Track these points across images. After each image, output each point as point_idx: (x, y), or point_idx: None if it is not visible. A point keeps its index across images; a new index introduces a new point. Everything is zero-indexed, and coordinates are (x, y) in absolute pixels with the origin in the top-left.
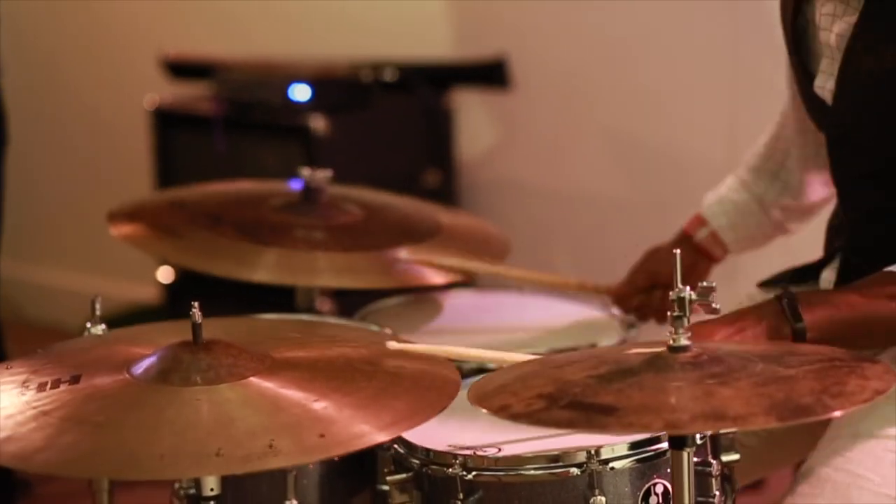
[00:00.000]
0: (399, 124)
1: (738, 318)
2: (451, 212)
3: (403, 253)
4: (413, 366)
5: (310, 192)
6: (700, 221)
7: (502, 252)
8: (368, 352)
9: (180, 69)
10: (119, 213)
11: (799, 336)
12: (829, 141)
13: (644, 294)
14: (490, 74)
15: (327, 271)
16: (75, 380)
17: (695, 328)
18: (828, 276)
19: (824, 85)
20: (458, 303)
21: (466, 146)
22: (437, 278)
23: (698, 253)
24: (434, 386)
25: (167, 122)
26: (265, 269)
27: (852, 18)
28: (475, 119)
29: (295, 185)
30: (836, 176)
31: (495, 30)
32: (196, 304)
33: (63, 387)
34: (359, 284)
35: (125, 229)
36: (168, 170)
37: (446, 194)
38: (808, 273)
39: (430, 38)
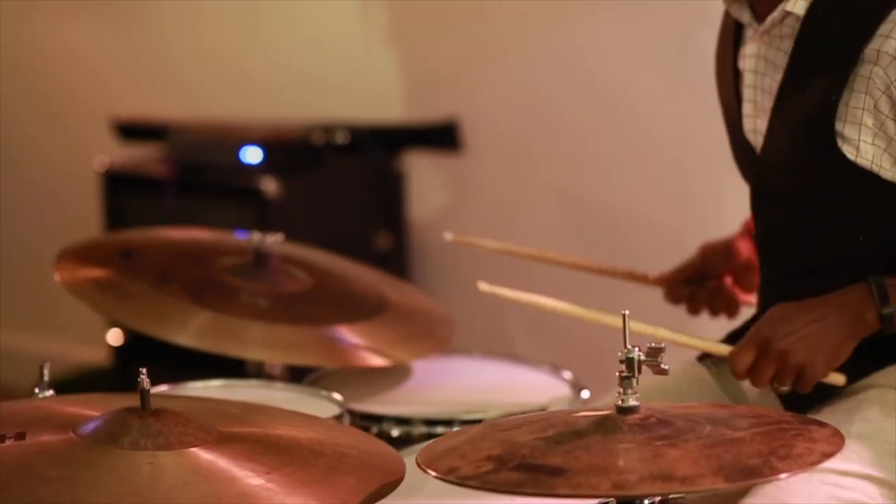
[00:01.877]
0: (350, 186)
1: (821, 304)
2: (399, 284)
3: (449, 235)
4: (358, 446)
5: (260, 256)
6: None
7: (447, 333)
8: (314, 432)
9: (131, 131)
10: (67, 257)
11: (886, 322)
12: (753, 192)
13: (695, 285)
14: (441, 137)
15: (266, 344)
16: (20, 436)
17: (777, 312)
18: None
19: (753, 127)
20: (414, 368)
21: (418, 208)
22: (375, 360)
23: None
24: (381, 465)
25: (118, 185)
26: (199, 334)
27: (782, 62)
28: (426, 181)
29: (243, 237)
30: (757, 230)
31: (446, 92)
32: (144, 370)
33: (8, 442)
34: (298, 361)
35: (70, 276)
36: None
37: (397, 256)
38: (743, 333)
39: (382, 101)
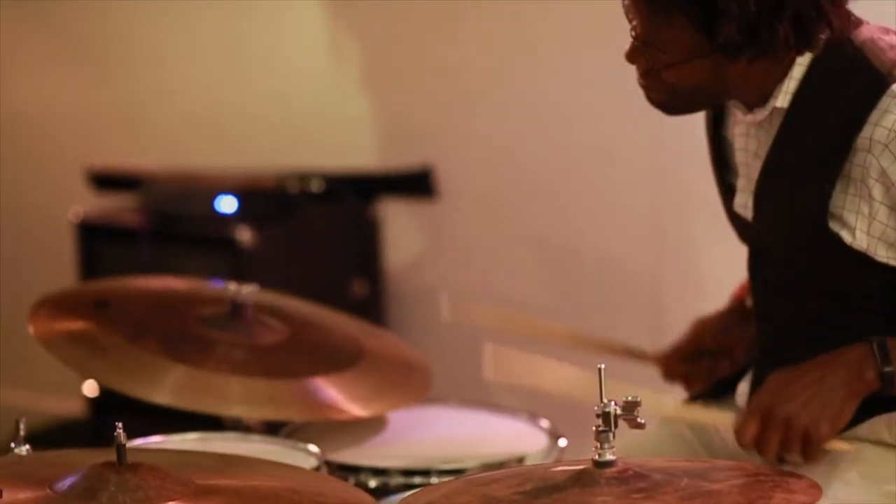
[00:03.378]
0: (326, 234)
1: (820, 364)
2: (375, 332)
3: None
4: (337, 495)
5: (235, 306)
6: None
7: (424, 382)
8: (292, 482)
9: (106, 181)
10: (41, 308)
11: (886, 381)
12: (750, 253)
13: (690, 362)
14: (416, 184)
15: (244, 401)
16: None
17: (776, 378)
18: (743, 389)
19: (745, 203)
20: (390, 417)
21: (393, 256)
22: (356, 410)
23: (750, 318)
24: None
25: (93, 235)
26: (175, 392)
27: (767, 141)
28: (402, 229)
29: (219, 287)
30: (753, 287)
31: (420, 140)
32: (120, 424)
33: None
34: (275, 416)
35: (45, 329)
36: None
37: (373, 304)
38: (725, 386)
39: (356, 149)
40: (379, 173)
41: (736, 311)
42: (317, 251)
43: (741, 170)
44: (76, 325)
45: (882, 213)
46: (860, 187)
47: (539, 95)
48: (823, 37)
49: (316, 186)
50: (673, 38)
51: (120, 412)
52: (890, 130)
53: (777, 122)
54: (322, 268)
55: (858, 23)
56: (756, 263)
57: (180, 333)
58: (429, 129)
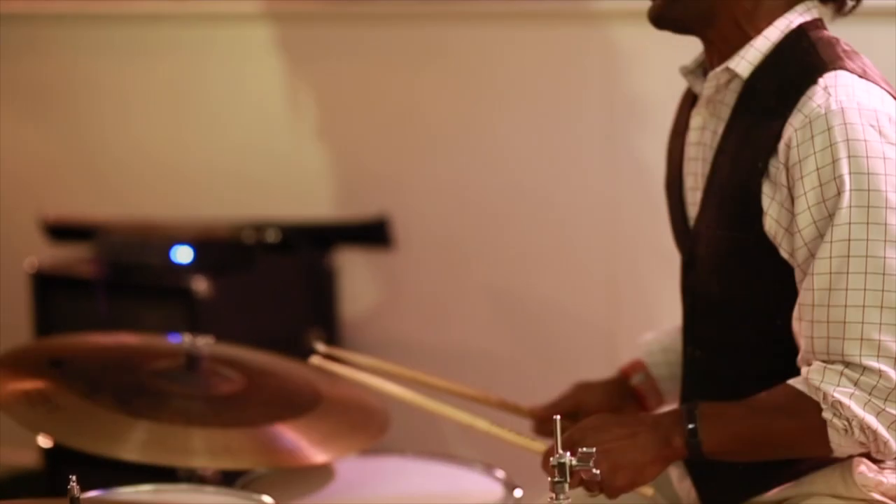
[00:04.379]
0: (282, 284)
1: (637, 421)
2: (332, 378)
3: (320, 347)
4: None
5: (191, 359)
6: (640, 366)
7: (383, 424)
8: None
9: (61, 232)
10: None
11: (692, 449)
12: (683, 267)
13: (566, 420)
14: (372, 234)
15: (203, 451)
16: None
17: (592, 421)
18: None
19: (693, 200)
20: (343, 468)
21: (350, 305)
22: (318, 457)
23: (632, 397)
24: None
25: (48, 285)
26: (137, 448)
27: (722, 123)
28: (358, 278)
29: (174, 341)
30: (684, 307)
31: (377, 189)
32: (73, 477)
33: None
34: (236, 466)
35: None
36: (48, 333)
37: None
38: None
39: (313, 198)
40: (335, 223)
41: (619, 385)
42: (273, 301)
43: (690, 166)
44: (31, 384)
45: (788, 202)
46: (778, 174)
47: (495, 146)
48: None
49: (272, 236)
50: None
51: (75, 464)
52: (806, 117)
53: (732, 99)
54: (278, 318)
55: (822, 29)
56: (687, 278)
57: (136, 388)
58: (385, 178)
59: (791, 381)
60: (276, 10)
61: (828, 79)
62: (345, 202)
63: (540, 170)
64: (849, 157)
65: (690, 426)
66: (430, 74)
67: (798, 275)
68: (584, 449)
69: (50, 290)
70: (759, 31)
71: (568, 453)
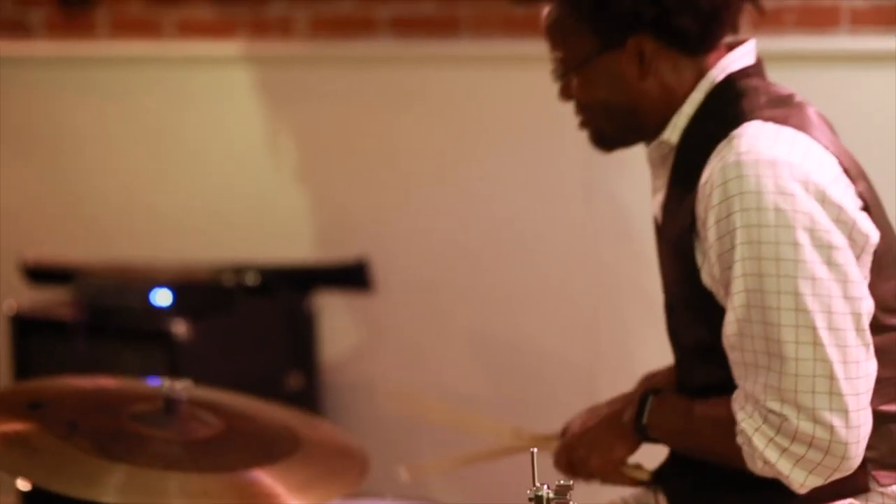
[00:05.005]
0: (261, 327)
1: (611, 404)
2: (312, 422)
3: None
4: None
5: (169, 403)
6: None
7: (362, 468)
8: None
9: (40, 274)
10: None
11: (639, 431)
12: (665, 310)
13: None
14: (352, 277)
15: (180, 496)
16: None
17: (578, 417)
18: None
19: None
20: None
21: (329, 349)
22: (294, 501)
23: None
24: None
25: (26, 328)
26: (115, 491)
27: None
28: (337, 321)
29: (155, 383)
30: (672, 348)
31: (356, 232)
32: None
33: None
34: None
35: None
36: (27, 376)
37: (309, 397)
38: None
39: (292, 241)
40: (315, 266)
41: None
42: (252, 344)
43: (654, 209)
44: (9, 427)
45: (711, 254)
46: (700, 229)
47: (475, 188)
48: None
49: (252, 279)
50: (568, 45)
51: None
52: (710, 171)
53: (670, 163)
54: (258, 361)
55: (754, 76)
56: (668, 321)
57: (114, 432)
58: (365, 221)
59: (737, 423)
60: (257, 52)
61: (738, 130)
62: (324, 245)
63: (520, 213)
64: (741, 210)
65: (639, 414)
66: (409, 117)
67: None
68: (562, 482)
69: (29, 332)
70: (685, 98)
71: (546, 486)
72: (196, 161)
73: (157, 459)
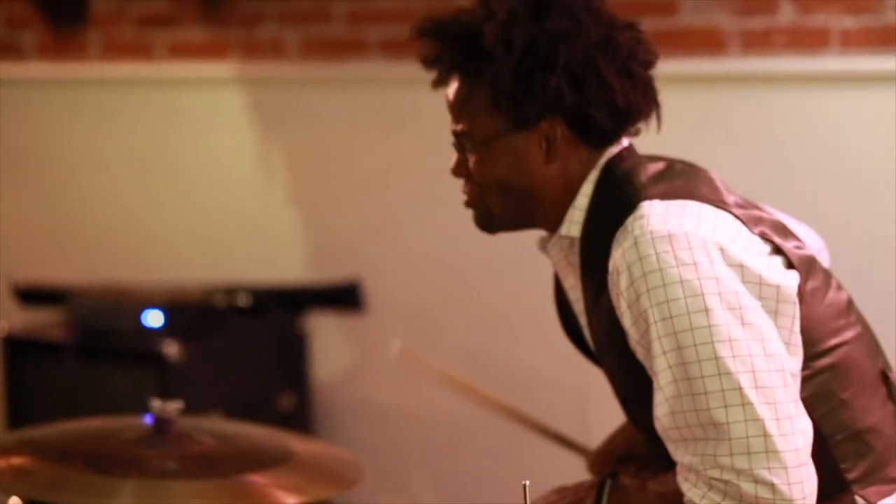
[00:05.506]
0: (253, 348)
1: (574, 489)
2: (303, 439)
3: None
4: None
5: (161, 424)
6: None
7: (355, 475)
8: None
9: (31, 296)
10: None
11: None
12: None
13: (617, 464)
14: (343, 298)
15: (186, 499)
16: None
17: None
18: None
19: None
20: None
21: (321, 369)
22: (289, 499)
23: None
24: None
25: (18, 349)
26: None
27: (578, 284)
28: (329, 342)
29: (146, 420)
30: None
31: (348, 253)
32: None
33: None
34: None
35: None
36: (18, 397)
37: (301, 418)
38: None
39: (284, 262)
40: (306, 287)
41: None
42: (244, 365)
43: (583, 318)
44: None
45: (631, 340)
46: (620, 316)
47: (466, 211)
48: (603, 111)
49: (243, 300)
50: (475, 120)
51: None
52: (613, 260)
53: (577, 260)
54: (249, 382)
55: (628, 157)
56: (627, 412)
57: (106, 455)
58: (356, 242)
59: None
60: (248, 74)
61: (630, 216)
62: (316, 266)
63: (511, 234)
64: (647, 290)
65: (598, 501)
66: (400, 138)
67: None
68: None
69: (20, 353)
70: (576, 192)
71: None
72: (188, 182)
73: (155, 472)
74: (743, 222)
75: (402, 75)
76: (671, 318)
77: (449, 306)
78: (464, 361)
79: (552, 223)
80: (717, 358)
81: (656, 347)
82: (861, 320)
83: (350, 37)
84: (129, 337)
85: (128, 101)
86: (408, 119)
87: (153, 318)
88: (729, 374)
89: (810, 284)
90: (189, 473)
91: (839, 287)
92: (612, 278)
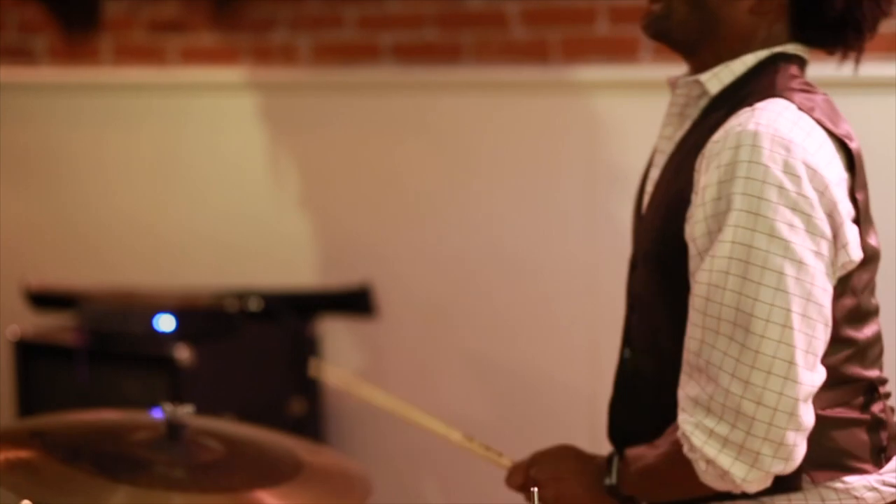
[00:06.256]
0: (264, 353)
1: (587, 460)
2: (314, 448)
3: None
4: None
5: (172, 428)
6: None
7: (365, 491)
8: None
9: (43, 300)
10: None
11: (612, 492)
12: (630, 265)
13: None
14: (355, 302)
15: None
16: None
17: (550, 453)
18: None
19: (649, 189)
20: None
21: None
22: None
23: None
24: None
25: (30, 354)
26: None
27: (684, 127)
28: (341, 346)
29: (158, 415)
30: (627, 306)
31: (359, 258)
32: None
33: None
34: None
35: None
36: (30, 401)
37: (312, 423)
38: None
39: (295, 267)
40: (318, 291)
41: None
42: (255, 370)
43: (652, 173)
44: (11, 454)
45: (699, 211)
46: (697, 181)
47: (477, 214)
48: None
49: (254, 305)
50: None
51: None
52: (725, 132)
53: (696, 113)
54: (261, 386)
55: (796, 65)
56: (631, 276)
57: (116, 456)
58: (368, 247)
59: (678, 427)
60: (260, 79)
61: (763, 103)
62: (327, 271)
63: (522, 238)
64: (746, 177)
65: (608, 480)
66: (411, 143)
67: (691, 281)
68: None
69: (32, 358)
70: (740, 54)
71: None
72: (199, 187)
73: (161, 481)
74: (851, 176)
75: (414, 80)
76: (756, 214)
77: (460, 311)
78: (474, 366)
79: (700, 63)
80: (781, 273)
81: (727, 233)
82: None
83: (362, 42)
84: (140, 341)
85: (139, 106)
86: (419, 124)
87: (164, 323)
88: (785, 292)
89: (863, 277)
90: (196, 485)
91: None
92: (713, 145)
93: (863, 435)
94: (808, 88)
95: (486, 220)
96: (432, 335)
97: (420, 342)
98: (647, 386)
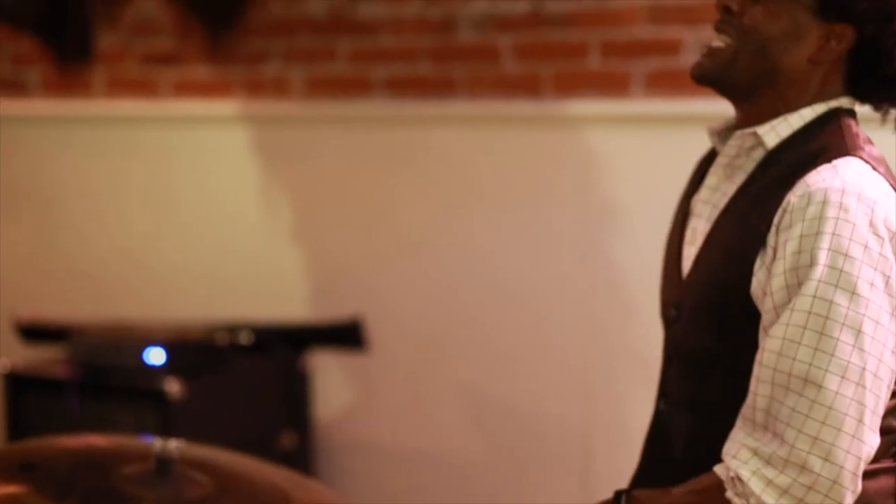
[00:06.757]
0: (255, 387)
1: None
2: (305, 484)
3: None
4: None
5: (161, 463)
6: None
7: None
8: None
9: (34, 333)
10: None
11: None
12: (668, 321)
13: None
14: (346, 336)
15: None
16: None
17: None
18: None
19: (687, 254)
20: None
21: (323, 408)
22: None
23: None
24: None
25: (20, 386)
26: None
27: (730, 190)
28: (332, 380)
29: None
30: (664, 361)
31: (350, 291)
32: None
33: None
34: None
35: None
36: (20, 434)
37: (302, 456)
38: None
39: (286, 300)
40: (309, 325)
41: None
42: (246, 403)
43: (693, 222)
44: (0, 490)
45: (778, 265)
46: (770, 237)
47: (469, 247)
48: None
49: (245, 338)
50: None
51: None
52: (808, 186)
53: (751, 166)
54: (251, 420)
55: (854, 121)
56: (671, 329)
57: (105, 492)
58: (359, 280)
59: (716, 473)
60: (252, 112)
61: (841, 161)
62: (319, 304)
63: (515, 271)
64: (833, 233)
65: None
66: (404, 176)
67: (761, 336)
68: None
69: (22, 390)
70: (796, 109)
71: None
72: (191, 220)
73: None
74: None
75: (407, 114)
76: (840, 271)
77: (452, 345)
78: (466, 400)
79: (753, 111)
80: (859, 331)
81: (809, 287)
82: None
83: (354, 75)
84: (130, 374)
85: (132, 138)
86: (411, 158)
87: (155, 356)
88: (862, 350)
89: None
90: None
91: None
92: (798, 201)
93: (891, 481)
94: (871, 144)
95: (478, 253)
96: (424, 369)
97: (412, 376)
98: (679, 438)
